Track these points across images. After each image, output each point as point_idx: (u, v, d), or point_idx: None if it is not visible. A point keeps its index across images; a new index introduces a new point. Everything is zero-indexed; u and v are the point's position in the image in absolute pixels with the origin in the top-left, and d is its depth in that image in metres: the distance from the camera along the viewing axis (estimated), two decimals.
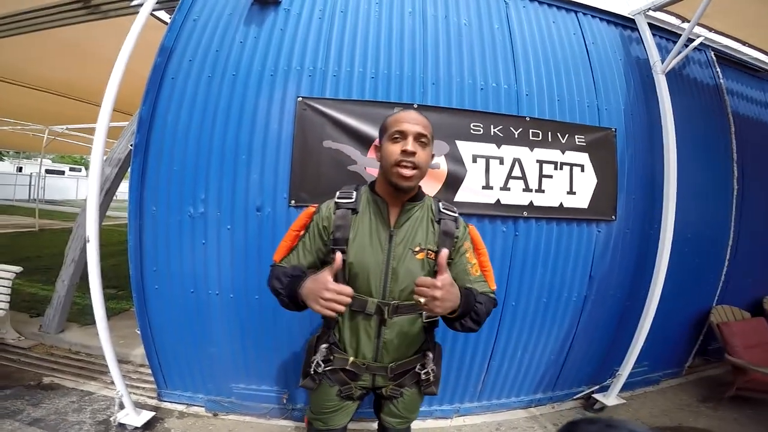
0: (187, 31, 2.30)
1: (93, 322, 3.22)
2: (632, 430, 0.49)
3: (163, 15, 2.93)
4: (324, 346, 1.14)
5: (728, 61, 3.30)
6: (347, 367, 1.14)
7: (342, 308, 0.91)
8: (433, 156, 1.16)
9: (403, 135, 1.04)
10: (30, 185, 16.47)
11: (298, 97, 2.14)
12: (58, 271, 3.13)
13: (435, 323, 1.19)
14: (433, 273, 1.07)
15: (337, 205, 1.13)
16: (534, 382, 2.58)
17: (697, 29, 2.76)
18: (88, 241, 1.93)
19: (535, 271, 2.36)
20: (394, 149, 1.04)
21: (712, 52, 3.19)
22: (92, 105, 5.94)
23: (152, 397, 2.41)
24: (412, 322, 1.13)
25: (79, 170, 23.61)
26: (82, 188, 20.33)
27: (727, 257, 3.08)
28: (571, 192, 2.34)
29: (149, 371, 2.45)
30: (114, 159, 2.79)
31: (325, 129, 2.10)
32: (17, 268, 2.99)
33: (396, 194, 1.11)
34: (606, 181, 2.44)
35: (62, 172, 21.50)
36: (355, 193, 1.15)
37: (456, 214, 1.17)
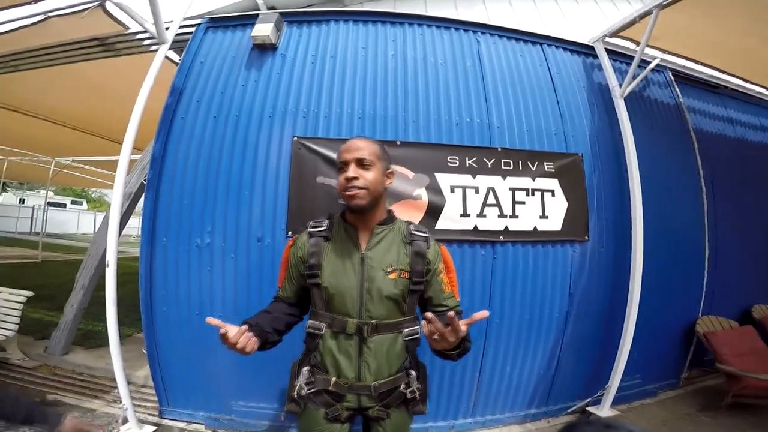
0: (195, 73, 2.59)
1: (97, 346, 3.43)
2: (631, 431, 0.51)
3: (171, 54, 3.22)
4: (306, 368, 1.18)
5: (686, 79, 3.54)
6: (330, 388, 1.15)
7: (240, 348, 1.00)
8: (391, 174, 1.23)
9: (346, 164, 1.14)
10: (32, 218, 16.55)
11: (294, 136, 2.40)
12: (61, 299, 3.30)
13: (416, 341, 1.22)
14: (408, 291, 1.17)
15: (310, 235, 1.22)
16: (527, 397, 2.64)
17: (653, 52, 2.97)
18: (108, 265, 2.12)
19: (515, 291, 2.52)
20: (341, 179, 1.15)
21: (670, 73, 3.43)
22: (98, 137, 6.19)
23: (154, 415, 2.51)
24: (393, 340, 1.17)
25: (81, 203, 23.73)
26: (83, 222, 20.44)
27: (706, 269, 3.21)
28: (543, 216, 2.55)
29: (151, 391, 2.57)
30: (125, 193, 3.01)
31: (318, 166, 2.34)
32: (28, 293, 3.16)
33: (361, 219, 1.19)
34: (576, 204, 2.64)
35: (64, 205, 21.60)
36: (327, 222, 1.24)
37: (426, 235, 1.24)
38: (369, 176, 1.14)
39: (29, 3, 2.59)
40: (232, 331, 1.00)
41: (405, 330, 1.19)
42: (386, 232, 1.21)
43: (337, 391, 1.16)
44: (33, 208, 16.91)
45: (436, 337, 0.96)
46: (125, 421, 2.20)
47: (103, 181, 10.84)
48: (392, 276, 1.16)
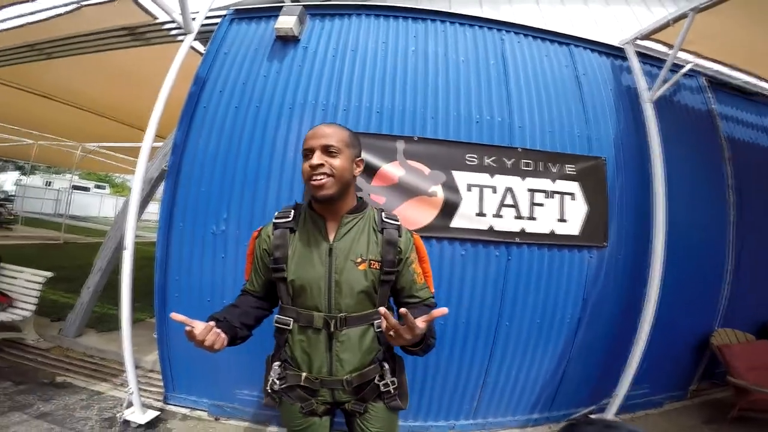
0: (219, 64, 2.63)
1: (110, 329, 3.52)
2: (631, 431, 0.53)
3: (196, 44, 3.28)
4: (276, 363, 1.15)
5: (721, 86, 3.38)
6: (302, 383, 1.12)
7: (207, 345, 0.96)
8: (360, 162, 1.17)
9: (311, 151, 1.08)
10: (57, 200, 17.18)
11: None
12: (80, 281, 3.38)
13: None
14: (379, 282, 1.12)
15: (275, 226, 1.17)
16: (530, 402, 2.61)
17: (686, 56, 2.87)
18: (125, 248, 2.17)
19: (528, 294, 2.47)
20: (305, 167, 1.08)
21: (704, 78, 3.29)
22: (122, 124, 6.37)
23: (158, 400, 2.56)
24: (363, 332, 1.12)
25: (104, 187, 24.50)
26: (105, 205, 21.14)
27: (728, 281, 3.10)
28: (562, 219, 2.49)
29: (157, 376, 2.63)
30: (146, 178, 3.07)
31: None
32: (49, 273, 3.26)
33: (330, 208, 1.14)
34: (597, 209, 2.57)
35: (87, 189, 22.34)
36: (293, 212, 1.19)
37: (398, 223, 1.19)
38: (336, 163, 1.07)
39: None
40: (198, 327, 0.96)
41: (376, 321, 1.13)
42: (356, 221, 1.16)
43: (309, 386, 1.13)
44: (58, 190, 17.53)
45: (391, 333, 0.92)
46: (129, 405, 2.24)
47: (127, 167, 11.16)
48: (362, 267, 1.11)
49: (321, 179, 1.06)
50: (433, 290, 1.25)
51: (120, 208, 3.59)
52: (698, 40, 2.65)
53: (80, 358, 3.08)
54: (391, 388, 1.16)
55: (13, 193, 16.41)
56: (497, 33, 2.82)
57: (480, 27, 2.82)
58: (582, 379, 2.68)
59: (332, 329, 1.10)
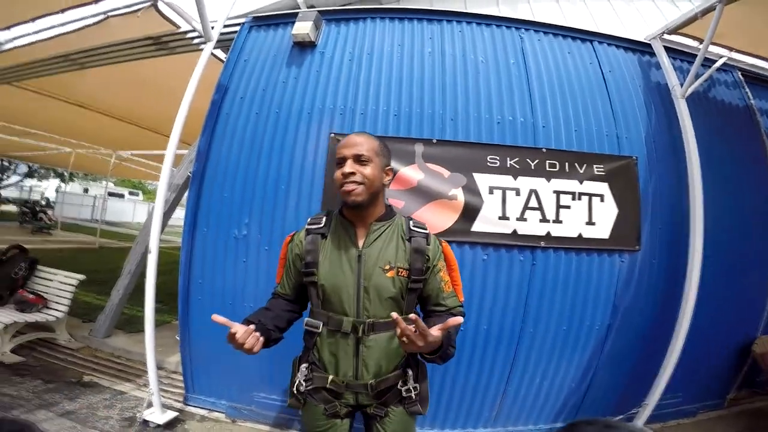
0: (239, 71, 2.69)
1: (137, 331, 3.63)
2: (632, 431, 0.50)
3: (218, 52, 3.38)
4: (304, 365, 1.19)
5: (759, 80, 3.19)
6: (328, 386, 1.15)
7: (247, 348, 1.00)
8: (390, 171, 1.20)
9: (343, 159, 1.13)
10: (93, 206, 18.09)
11: (331, 133, 2.42)
12: (112, 284, 3.50)
13: None
14: (406, 290, 1.14)
15: (308, 231, 1.21)
16: (554, 410, 2.51)
17: (718, 50, 2.72)
18: (150, 252, 2.24)
19: (554, 300, 2.38)
20: (337, 174, 1.13)
21: (739, 73, 3.10)
22: (153, 132, 6.63)
23: (178, 401, 2.60)
24: (389, 339, 1.14)
25: (137, 194, 25.60)
26: (138, 211, 22.09)
27: None
28: (590, 222, 2.37)
29: (179, 378, 2.67)
30: (173, 184, 3.18)
31: None
32: (81, 276, 3.41)
33: (360, 215, 1.17)
34: (628, 211, 2.44)
35: (122, 196, 23.41)
36: (325, 218, 1.22)
37: (426, 232, 1.21)
38: (366, 172, 1.12)
39: (91, 3, 2.78)
40: (239, 331, 1.00)
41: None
42: (384, 229, 1.19)
43: (334, 388, 1.15)
44: (95, 197, 18.47)
45: (404, 339, 0.94)
46: (150, 405, 2.29)
47: (158, 174, 11.59)
48: (390, 274, 1.13)
49: (352, 187, 1.10)
50: (462, 299, 1.24)
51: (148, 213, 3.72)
52: (730, 33, 2.51)
53: (107, 358, 3.19)
54: (413, 393, 1.17)
55: (54, 200, 17.40)
56: (516, 31, 2.74)
57: (498, 26, 2.76)
58: (610, 387, 2.56)
59: (360, 334, 1.13)
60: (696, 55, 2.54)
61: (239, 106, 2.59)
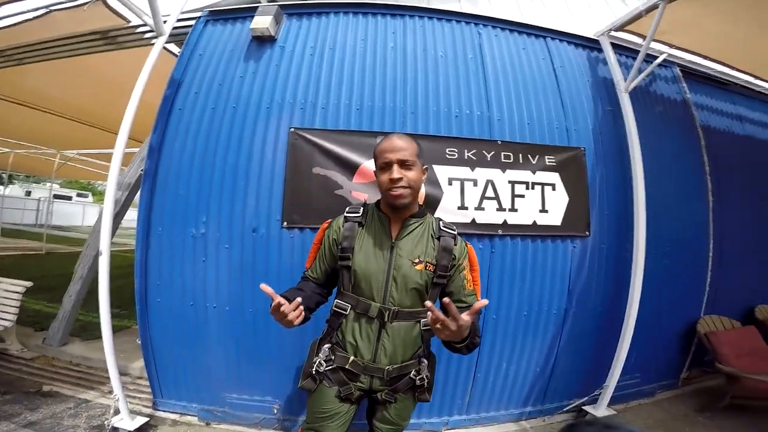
0: (194, 66, 2.59)
1: (94, 337, 3.45)
2: (631, 431, 0.51)
3: (172, 47, 3.23)
4: (327, 345, 1.26)
5: (695, 75, 3.45)
6: (347, 366, 1.23)
7: (290, 320, 1.06)
8: (426, 170, 1.30)
9: (388, 165, 1.19)
10: (38, 210, 16.72)
11: (291, 128, 2.38)
12: (62, 290, 3.31)
13: (431, 332, 1.21)
14: (431, 283, 1.23)
15: (346, 219, 1.30)
16: (522, 395, 2.62)
17: (660, 47, 2.91)
18: (101, 254, 2.12)
19: (513, 286, 2.48)
20: (384, 178, 1.20)
21: (678, 68, 3.35)
22: (102, 130, 6.22)
23: (147, 406, 2.51)
24: (410, 328, 1.24)
25: (86, 196, 23.90)
26: (88, 214, 20.58)
27: (710, 268, 3.16)
28: (543, 210, 2.50)
29: (146, 383, 2.57)
30: (124, 184, 3.02)
31: (314, 157, 2.32)
32: (27, 283, 3.18)
33: (396, 211, 1.26)
34: (578, 199, 2.60)
35: (69, 198, 21.76)
36: (362, 209, 1.32)
37: (455, 232, 1.30)
38: (411, 175, 1.19)
39: None
40: (286, 303, 1.05)
41: (423, 320, 1.24)
42: (417, 225, 1.27)
43: (353, 369, 1.23)
44: (38, 200, 17.07)
45: (438, 325, 0.99)
46: (117, 411, 2.20)
47: (108, 174, 10.89)
48: (419, 267, 1.22)
49: (401, 192, 1.18)
50: (480, 299, 1.30)
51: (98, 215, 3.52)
52: (671, 30, 2.69)
53: (66, 366, 3.03)
54: (425, 382, 1.27)
55: None
56: (474, 27, 2.83)
57: (458, 21, 2.83)
58: (573, 370, 2.70)
59: (385, 320, 1.21)
60: (639, 51, 2.68)
61: (194, 101, 2.50)
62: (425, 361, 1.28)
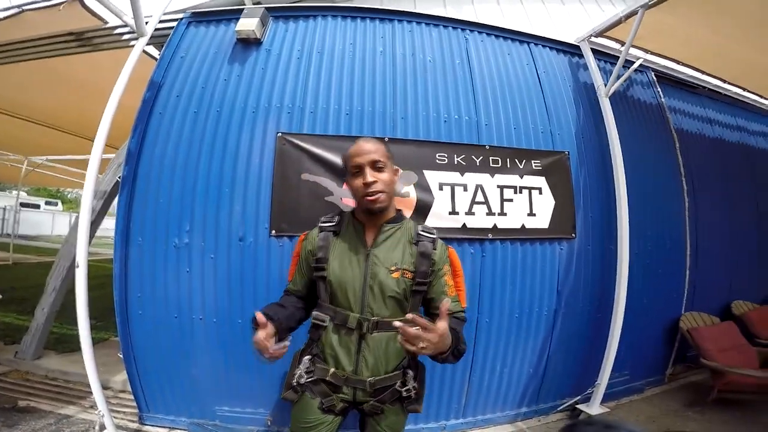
0: (175, 68, 2.50)
1: (71, 350, 3.29)
2: (631, 431, 0.51)
3: (151, 50, 3.11)
4: (307, 357, 1.22)
5: (667, 80, 3.60)
6: (328, 378, 1.18)
7: (271, 357, 1.05)
8: (397, 171, 1.24)
9: (360, 168, 1.15)
10: (3, 219, 15.86)
11: (278, 132, 2.33)
12: (33, 302, 3.17)
13: None
14: (410, 292, 1.17)
15: (321, 229, 1.26)
16: (517, 396, 2.63)
17: (637, 52, 3.02)
18: (78, 266, 2.01)
19: (504, 289, 2.51)
20: (357, 183, 1.16)
21: (653, 73, 3.49)
22: (74, 136, 5.94)
23: (133, 421, 2.40)
24: (392, 338, 1.16)
25: (55, 204, 22.83)
26: (57, 223, 19.65)
27: (688, 266, 3.27)
28: (531, 214, 2.54)
29: (129, 397, 2.46)
30: (99, 192, 2.88)
31: (303, 163, 2.27)
32: None
33: (372, 218, 1.21)
34: (563, 202, 2.65)
35: (37, 206, 20.74)
36: (338, 218, 1.27)
37: (434, 236, 1.24)
38: (384, 177, 1.16)
39: None
40: (272, 346, 1.04)
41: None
42: (393, 231, 1.23)
43: (333, 381, 1.18)
44: (4, 209, 16.18)
45: (422, 344, 0.91)
46: (102, 427, 2.08)
47: (79, 181, 10.39)
48: (395, 275, 1.17)
49: (377, 195, 1.14)
50: (465, 305, 1.28)
51: (73, 225, 3.36)
52: (647, 36, 2.78)
53: (42, 381, 2.88)
54: (412, 393, 1.21)
55: None
56: (461, 32, 2.85)
57: (445, 27, 2.85)
58: (565, 370, 2.73)
59: (364, 331, 1.16)
60: (618, 57, 2.77)
61: (175, 105, 2.41)
62: (411, 372, 1.22)
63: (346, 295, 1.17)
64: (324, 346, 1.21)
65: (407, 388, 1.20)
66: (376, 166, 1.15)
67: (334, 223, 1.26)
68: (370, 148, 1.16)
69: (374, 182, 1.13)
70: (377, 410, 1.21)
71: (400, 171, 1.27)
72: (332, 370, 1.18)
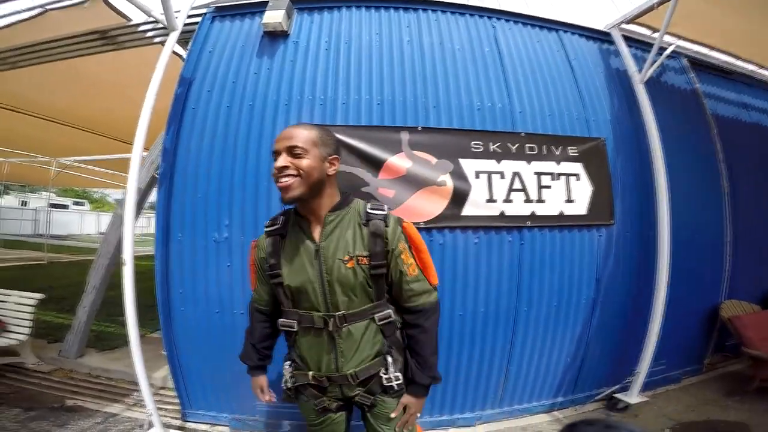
0: (204, 63, 2.52)
1: (111, 348, 3.37)
2: (632, 431, 0.50)
3: (175, 47, 3.12)
4: (287, 363, 1.21)
5: (701, 65, 3.48)
6: (311, 382, 1.16)
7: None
8: (336, 159, 1.15)
9: (277, 153, 1.08)
10: (35, 219, 16.47)
11: None
12: (70, 300, 3.28)
13: (392, 324, 1.17)
14: (369, 278, 1.11)
15: (267, 234, 1.19)
16: (554, 386, 2.60)
17: (668, 38, 2.92)
18: (125, 264, 2.05)
19: (543, 277, 2.46)
20: (273, 170, 1.08)
21: (686, 59, 3.37)
22: (101, 136, 6.06)
23: (176, 418, 2.45)
24: (365, 327, 1.13)
25: (83, 204, 23.58)
26: (86, 222, 20.34)
27: (728, 253, 3.16)
28: (569, 200, 2.49)
29: (170, 393, 2.52)
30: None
31: (338, 153, 2.25)
32: (39, 295, 3.12)
33: (310, 209, 1.13)
34: (601, 188, 2.58)
35: (66, 206, 21.48)
36: (282, 218, 1.20)
37: (384, 212, 1.15)
38: (302, 164, 1.06)
39: None
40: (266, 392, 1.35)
41: (377, 315, 1.14)
42: (340, 218, 1.14)
43: (317, 383, 1.17)
44: (35, 210, 16.81)
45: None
46: (150, 425, 2.13)
47: (105, 181, 10.72)
48: (350, 264, 1.10)
49: (286, 181, 1.06)
50: (434, 281, 1.21)
51: (108, 223, 3.43)
52: (679, 22, 2.70)
53: (85, 379, 2.96)
54: (394, 383, 1.15)
55: None
56: (488, 21, 2.79)
57: (471, 15, 2.79)
58: (602, 359, 2.68)
59: (331, 328, 1.11)
60: (647, 43, 2.70)
61: (207, 100, 2.42)
62: (389, 358, 1.15)
63: (308, 296, 1.12)
64: (299, 351, 1.18)
65: (387, 377, 1.15)
66: (293, 152, 1.06)
67: (278, 226, 1.18)
68: (288, 134, 1.09)
69: (285, 167, 1.05)
70: (367, 402, 1.17)
71: (339, 159, 1.18)
72: (311, 373, 1.15)
